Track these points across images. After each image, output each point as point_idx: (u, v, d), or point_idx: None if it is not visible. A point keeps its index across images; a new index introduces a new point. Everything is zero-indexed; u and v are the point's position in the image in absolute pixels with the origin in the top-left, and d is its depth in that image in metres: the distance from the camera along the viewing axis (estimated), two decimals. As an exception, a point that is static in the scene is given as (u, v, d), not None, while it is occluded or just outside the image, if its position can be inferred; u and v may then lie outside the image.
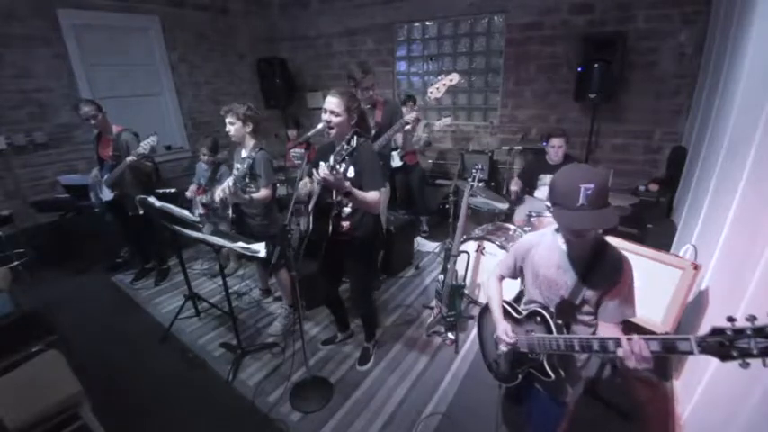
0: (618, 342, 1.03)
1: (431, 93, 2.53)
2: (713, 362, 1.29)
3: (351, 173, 1.86)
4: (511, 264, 1.49)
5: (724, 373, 0.96)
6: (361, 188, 1.82)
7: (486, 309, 1.62)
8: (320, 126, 1.86)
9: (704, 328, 1.55)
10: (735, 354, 0.78)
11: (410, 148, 3.88)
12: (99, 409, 1.84)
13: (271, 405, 2.12)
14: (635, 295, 1.23)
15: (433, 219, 4.36)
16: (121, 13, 4.10)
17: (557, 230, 1.32)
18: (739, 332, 0.78)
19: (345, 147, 1.66)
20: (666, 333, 0.97)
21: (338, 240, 1.98)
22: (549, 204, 1.20)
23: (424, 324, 2.75)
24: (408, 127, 2.63)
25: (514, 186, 3.17)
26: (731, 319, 0.80)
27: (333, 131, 1.85)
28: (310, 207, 1.95)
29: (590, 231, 1.16)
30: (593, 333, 1.31)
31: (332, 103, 1.83)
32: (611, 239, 1.34)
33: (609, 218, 1.10)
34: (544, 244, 1.36)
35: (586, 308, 1.28)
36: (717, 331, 0.81)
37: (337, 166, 1.62)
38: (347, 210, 1.95)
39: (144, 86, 4.50)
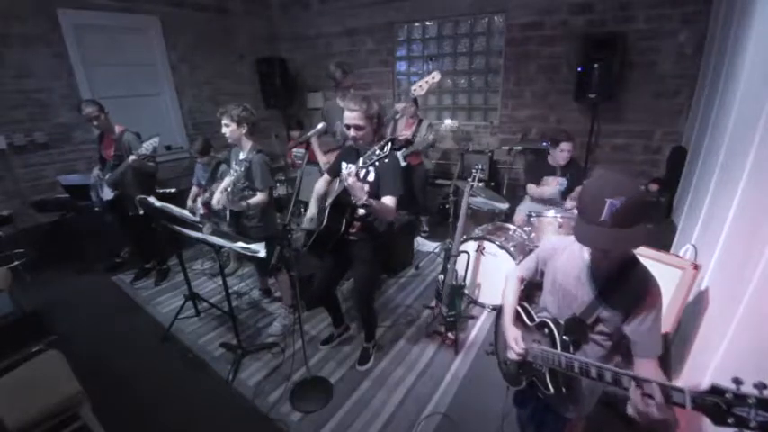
0: (635, 382, 0.89)
1: (414, 90, 2.64)
2: (714, 361, 1.29)
3: (371, 176, 1.86)
4: (533, 266, 1.40)
5: (727, 370, 0.95)
6: (378, 193, 1.81)
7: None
8: (320, 126, 1.86)
9: (704, 329, 1.56)
10: (730, 421, 0.68)
11: (413, 148, 3.88)
12: (99, 409, 1.84)
13: (271, 405, 2.12)
14: (661, 325, 1.11)
15: (433, 219, 4.36)
16: (121, 13, 4.10)
17: None
18: (741, 398, 0.67)
19: (378, 152, 1.58)
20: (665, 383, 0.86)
21: (347, 240, 1.98)
22: (576, 211, 1.14)
23: (424, 324, 2.75)
24: (398, 116, 2.73)
25: (535, 190, 3.07)
26: (737, 382, 0.69)
27: (360, 141, 1.85)
28: (327, 203, 1.94)
29: (609, 251, 1.05)
30: (608, 356, 1.22)
31: (352, 117, 1.77)
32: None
33: (631, 239, 0.97)
34: (569, 250, 1.26)
35: (600, 327, 1.17)
36: (716, 391, 0.70)
37: (361, 173, 1.59)
38: (361, 211, 1.95)
39: (144, 86, 4.49)
